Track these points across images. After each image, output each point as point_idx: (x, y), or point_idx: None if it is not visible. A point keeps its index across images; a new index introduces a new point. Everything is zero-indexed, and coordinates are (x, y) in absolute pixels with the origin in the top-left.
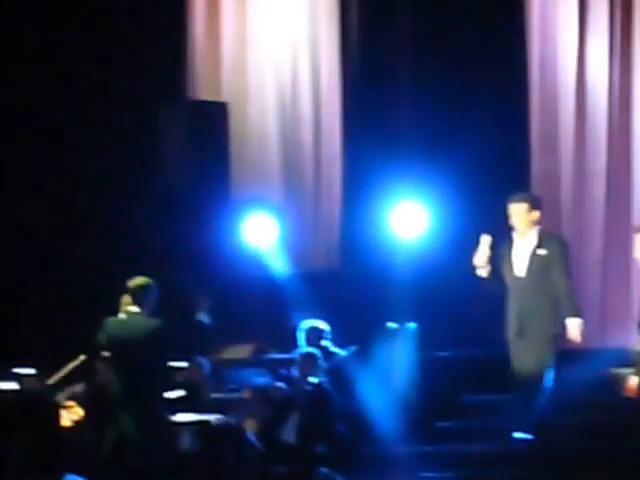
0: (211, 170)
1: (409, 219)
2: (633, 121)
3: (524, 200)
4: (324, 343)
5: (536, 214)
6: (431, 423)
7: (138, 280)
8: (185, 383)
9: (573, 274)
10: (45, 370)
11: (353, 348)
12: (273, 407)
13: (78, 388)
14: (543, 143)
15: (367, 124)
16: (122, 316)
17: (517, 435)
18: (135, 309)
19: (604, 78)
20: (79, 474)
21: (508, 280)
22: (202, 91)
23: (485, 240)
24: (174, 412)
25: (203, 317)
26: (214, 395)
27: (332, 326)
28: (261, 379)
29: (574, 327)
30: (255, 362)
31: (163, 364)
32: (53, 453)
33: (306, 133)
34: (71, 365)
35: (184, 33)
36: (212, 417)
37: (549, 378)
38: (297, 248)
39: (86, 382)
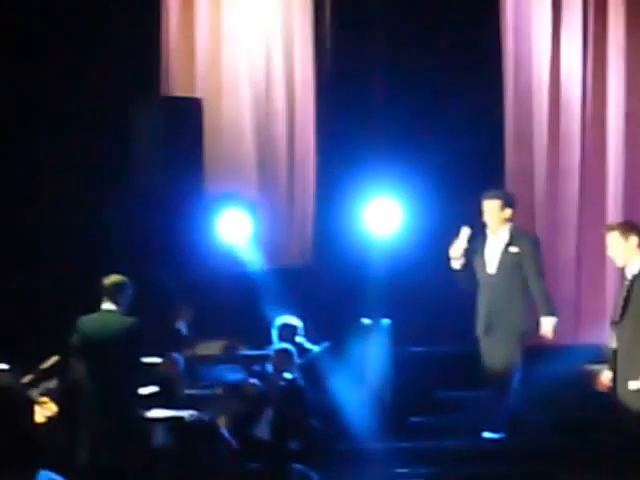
0: (185, 166)
1: (383, 215)
2: (607, 118)
3: (497, 197)
4: (298, 339)
5: (508, 211)
6: (405, 419)
7: (113, 278)
8: (159, 379)
9: (546, 271)
10: (19, 366)
11: (326, 344)
12: (247, 403)
13: (52, 384)
14: (517, 140)
15: (341, 120)
16: (97, 314)
17: (486, 435)
18: (111, 307)
19: (578, 75)
20: (52, 470)
21: (479, 276)
22: (176, 87)
23: (465, 232)
24: (148, 408)
25: (182, 326)
26: (188, 391)
27: (306, 322)
28: (235, 375)
29: (548, 325)
30: (226, 358)
31: (138, 362)
32: (27, 449)
33: (280, 129)
34: (44, 365)
35: (158, 29)
36: (186, 413)
37: (517, 376)
38: (271, 244)
39: (60, 378)
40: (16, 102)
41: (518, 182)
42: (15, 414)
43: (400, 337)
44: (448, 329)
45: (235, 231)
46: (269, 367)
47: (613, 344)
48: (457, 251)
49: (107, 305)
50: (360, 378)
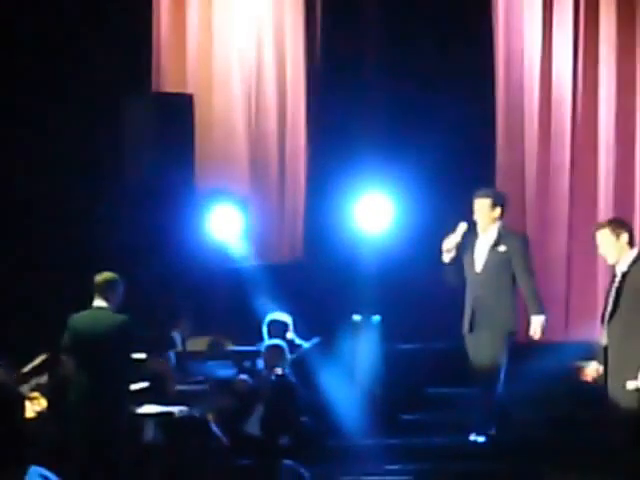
0: (175, 162)
1: (374, 211)
2: (598, 116)
3: (487, 196)
4: (289, 336)
5: (498, 210)
6: (395, 415)
7: (105, 275)
8: (151, 375)
9: (536, 270)
10: (10, 362)
11: (316, 340)
12: (237, 399)
13: (42, 379)
14: (508, 137)
15: (332, 116)
16: (88, 311)
17: (472, 438)
18: (102, 304)
19: (569, 73)
20: (43, 466)
21: (467, 274)
22: (167, 83)
23: (462, 227)
24: (138, 404)
25: (176, 336)
26: (178, 387)
27: (296, 318)
28: (225, 372)
29: (537, 324)
30: (212, 354)
31: (128, 358)
32: (17, 444)
33: (271, 125)
34: (32, 364)
35: (149, 25)
36: (176, 409)
37: (503, 375)
38: (262, 240)
39: (50, 374)
40: (4, 98)
41: (509, 179)
42: (6, 410)
43: (391, 334)
44: (439, 326)
45: (226, 227)
46: (260, 363)
47: (604, 341)
48: (450, 244)
49: (98, 302)
50: (350, 375)
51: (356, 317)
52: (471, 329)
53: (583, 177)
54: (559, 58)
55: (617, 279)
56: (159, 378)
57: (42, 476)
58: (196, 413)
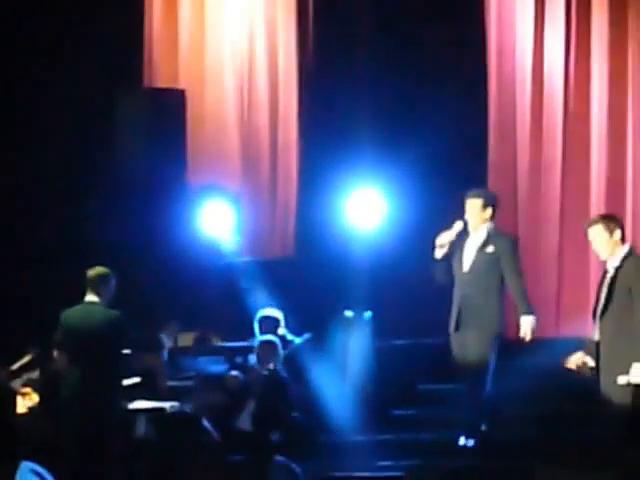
0: (167, 157)
1: (366, 207)
2: (590, 112)
3: (479, 196)
4: (280, 332)
5: (489, 211)
6: (387, 411)
7: (97, 270)
8: (143, 370)
9: (525, 268)
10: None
11: (307, 336)
12: (228, 395)
13: (34, 375)
14: (500, 133)
15: (324, 111)
16: (81, 306)
17: (461, 442)
18: (94, 299)
19: (561, 69)
20: (35, 460)
21: (455, 273)
22: (159, 77)
23: (458, 225)
24: (130, 399)
25: (164, 338)
26: (170, 383)
27: (288, 314)
28: (217, 367)
29: (527, 324)
30: (199, 350)
31: (120, 353)
32: (9, 440)
33: (263, 120)
34: (19, 363)
35: (141, 19)
36: (167, 405)
37: (489, 374)
38: (253, 235)
39: (42, 369)
40: (1, 95)
41: (500, 175)
42: None
43: (382, 330)
44: (430, 322)
45: (217, 223)
46: (251, 359)
47: (596, 337)
48: (444, 239)
49: (90, 297)
50: (342, 371)
51: (348, 313)
52: (457, 328)
53: (575, 172)
54: (551, 53)
55: (609, 275)
56: (150, 374)
57: (33, 471)
58: (187, 409)
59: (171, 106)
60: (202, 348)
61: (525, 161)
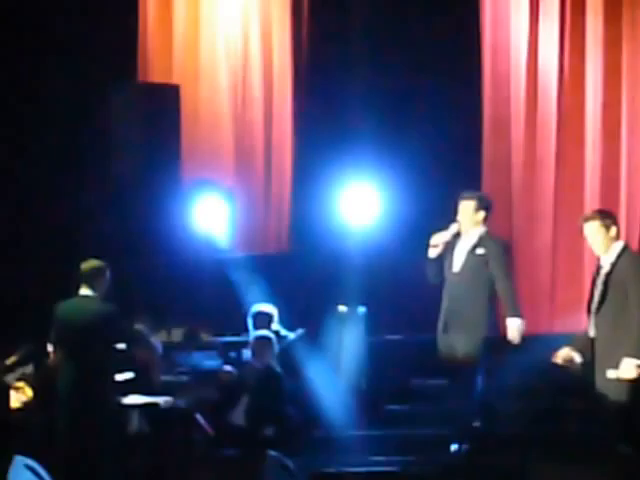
0: (162, 152)
1: (360, 202)
2: (584, 108)
3: (472, 198)
4: (274, 327)
5: (482, 214)
6: (380, 407)
7: (91, 262)
8: (137, 365)
9: (522, 260)
10: None
11: (301, 331)
12: (222, 390)
13: (28, 369)
14: (494, 129)
15: (318, 107)
16: (75, 299)
17: (453, 448)
18: (87, 292)
19: (555, 65)
20: (29, 455)
21: (445, 274)
22: (153, 73)
23: (454, 228)
24: (124, 394)
25: (143, 329)
26: (164, 377)
27: (282, 309)
28: (210, 362)
29: (514, 327)
30: (189, 345)
31: (114, 347)
32: (2, 434)
33: (257, 115)
34: (12, 358)
35: (135, 15)
36: (161, 400)
37: (479, 379)
38: (248, 231)
39: (36, 363)
40: None
41: (495, 171)
42: None
43: (376, 325)
44: (424, 317)
45: (211, 218)
46: (245, 354)
47: (591, 333)
48: (438, 239)
49: (84, 290)
50: (336, 366)
51: (341, 308)
52: (445, 330)
53: (569, 168)
54: (545, 50)
55: (604, 270)
56: (144, 368)
57: (27, 466)
58: (181, 404)
59: (165, 101)
60: (192, 343)
61: (519, 157)
